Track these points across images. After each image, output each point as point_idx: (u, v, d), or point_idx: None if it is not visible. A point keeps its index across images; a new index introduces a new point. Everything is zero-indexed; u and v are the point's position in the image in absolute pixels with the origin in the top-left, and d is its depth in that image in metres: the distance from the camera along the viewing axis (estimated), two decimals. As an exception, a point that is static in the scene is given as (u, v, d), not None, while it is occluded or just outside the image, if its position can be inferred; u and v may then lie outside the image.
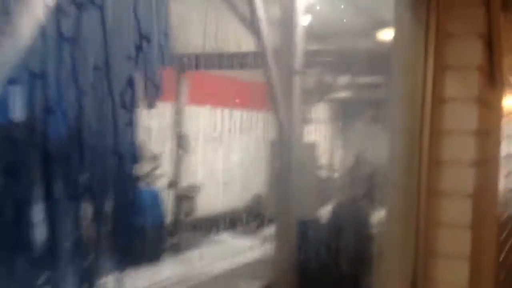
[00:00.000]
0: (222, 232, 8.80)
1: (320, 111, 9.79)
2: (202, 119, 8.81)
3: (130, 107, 3.08)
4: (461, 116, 1.59)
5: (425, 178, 1.56)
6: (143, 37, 2.98)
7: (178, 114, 7.98)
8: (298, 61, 3.82)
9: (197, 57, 7.46)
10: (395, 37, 1.68)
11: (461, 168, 1.57)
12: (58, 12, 2.36)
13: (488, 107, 1.76)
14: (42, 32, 2.40)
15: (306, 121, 8.26)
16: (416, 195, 1.60)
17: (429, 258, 1.61)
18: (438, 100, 1.58)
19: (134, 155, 3.53)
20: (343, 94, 9.13)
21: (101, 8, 2.61)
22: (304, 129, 7.92)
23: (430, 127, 1.56)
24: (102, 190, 3.46)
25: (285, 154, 4.03)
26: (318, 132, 9.99)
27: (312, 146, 5.00)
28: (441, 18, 1.46)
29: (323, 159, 8.92)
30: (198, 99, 8.34)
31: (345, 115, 9.26)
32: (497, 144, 1.79)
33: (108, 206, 3.63)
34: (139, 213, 7.29)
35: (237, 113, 9.60)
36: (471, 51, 1.57)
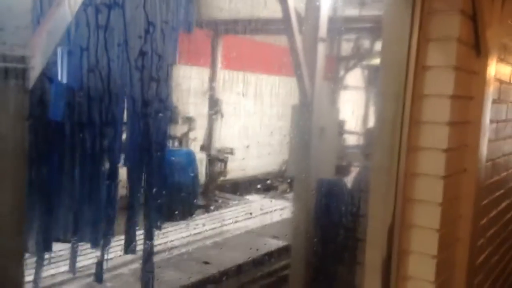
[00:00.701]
0: (252, 193, 9.21)
1: (355, 76, 9.83)
2: (236, 84, 9.03)
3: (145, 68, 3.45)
4: (439, 82, 1.82)
5: (406, 135, 1.83)
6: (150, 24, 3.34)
7: (213, 78, 8.22)
8: (323, 28, 4.00)
9: (231, 22, 7.67)
10: (385, 11, 1.93)
11: (437, 127, 1.82)
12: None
13: (471, 74, 1.98)
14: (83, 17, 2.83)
15: (338, 86, 8.42)
16: (397, 150, 1.87)
17: (406, 204, 1.90)
18: (421, 68, 1.82)
19: (162, 110, 3.87)
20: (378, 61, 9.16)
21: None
22: (333, 95, 8.13)
23: (413, 91, 1.81)
24: (141, 148, 3.82)
25: (307, 121, 4.24)
26: (351, 97, 10.06)
27: (336, 111, 5.20)
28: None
29: (351, 124, 9.04)
30: (233, 64, 8.56)
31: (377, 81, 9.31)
32: (481, 107, 1.99)
33: (147, 164, 3.99)
34: (174, 172, 7.65)
35: (270, 78, 9.77)
36: (451, 25, 1.77)
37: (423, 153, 1.88)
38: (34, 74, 2.32)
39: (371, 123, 8.88)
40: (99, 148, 3.49)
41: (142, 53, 3.43)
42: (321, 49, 4.14)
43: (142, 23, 3.36)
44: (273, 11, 7.00)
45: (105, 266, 3.57)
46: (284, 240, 6.61)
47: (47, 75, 2.53)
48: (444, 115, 1.84)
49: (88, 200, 3.51)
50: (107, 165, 3.60)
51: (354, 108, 10.01)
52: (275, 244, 6.61)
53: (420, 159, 1.88)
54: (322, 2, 4.06)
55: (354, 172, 5.80)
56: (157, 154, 4.02)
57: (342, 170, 5.71)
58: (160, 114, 3.94)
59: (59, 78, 2.71)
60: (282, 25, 4.25)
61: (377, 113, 1.97)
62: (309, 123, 4.28)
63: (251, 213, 7.90)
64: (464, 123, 2.02)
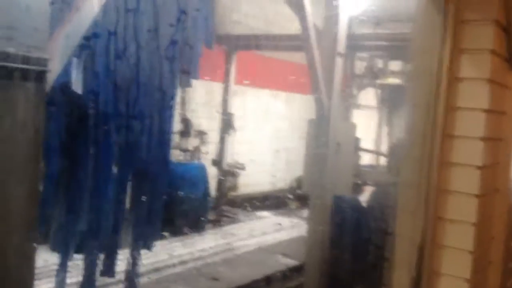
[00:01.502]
0: (263, 209, 9.09)
1: (369, 95, 9.75)
2: (249, 99, 8.99)
3: (173, 60, 3.41)
4: (473, 95, 1.73)
5: (437, 149, 1.73)
6: (182, 12, 3.30)
7: (226, 93, 8.18)
8: (341, 43, 3.95)
9: (246, 38, 7.67)
10: (415, 21, 1.85)
11: (471, 142, 1.72)
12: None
13: (503, 88, 1.88)
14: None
15: (352, 105, 8.31)
16: (427, 165, 1.77)
17: (437, 222, 1.79)
18: (454, 79, 1.73)
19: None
20: (393, 80, 9.05)
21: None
22: (348, 112, 8.02)
23: (445, 103, 1.71)
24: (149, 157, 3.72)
25: (324, 135, 4.15)
26: (365, 116, 9.96)
27: (352, 128, 5.11)
28: (458, 6, 1.61)
29: (367, 142, 8.93)
30: (246, 80, 8.54)
31: (392, 101, 9.19)
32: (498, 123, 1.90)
33: (155, 176, 3.89)
34: (184, 185, 7.52)
35: (283, 95, 9.73)
36: (485, 36, 1.70)
37: (456, 169, 1.78)
38: (51, 77, 2.27)
39: (393, 139, 8.76)
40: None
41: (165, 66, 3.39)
42: (339, 64, 4.09)
43: (165, 39, 3.33)
44: (288, 27, 6.99)
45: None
46: (296, 259, 6.47)
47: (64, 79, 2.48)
48: (479, 130, 1.74)
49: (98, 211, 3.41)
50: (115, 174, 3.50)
51: (371, 124, 9.89)
52: (286, 262, 6.46)
53: (453, 175, 1.78)
54: (340, 18, 4.02)
55: (372, 188, 5.67)
56: (162, 167, 3.90)
57: (359, 187, 5.59)
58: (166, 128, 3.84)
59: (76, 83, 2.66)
60: (298, 41, 4.21)
61: (407, 126, 1.88)
62: (326, 138, 4.18)
63: (262, 230, 7.77)
64: (496, 140, 1.92)
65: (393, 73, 9.08)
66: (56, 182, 2.92)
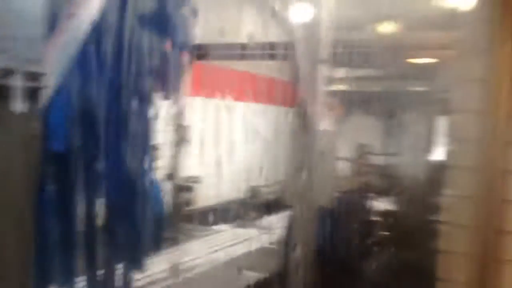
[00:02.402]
0: (221, 222, 8.84)
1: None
2: (204, 111, 8.78)
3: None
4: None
5: (500, 159, 1.62)
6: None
7: (179, 105, 7.89)
8: (324, 51, 3.87)
9: (201, 48, 7.42)
10: (465, 24, 1.75)
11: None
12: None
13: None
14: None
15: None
16: (490, 174, 1.65)
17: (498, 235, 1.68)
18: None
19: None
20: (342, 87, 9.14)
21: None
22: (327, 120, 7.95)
23: (507, 109, 1.62)
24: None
25: (307, 145, 4.07)
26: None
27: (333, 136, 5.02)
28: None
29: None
30: (202, 91, 8.33)
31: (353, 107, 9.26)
32: None
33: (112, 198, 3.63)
34: (140, 204, 7.16)
35: (243, 105, 9.61)
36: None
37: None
38: (46, 93, 1.95)
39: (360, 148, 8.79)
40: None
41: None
42: (321, 72, 4.02)
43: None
44: (253, 36, 6.84)
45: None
46: (262, 272, 6.29)
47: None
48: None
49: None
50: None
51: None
52: (252, 276, 6.28)
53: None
54: (321, 27, 3.96)
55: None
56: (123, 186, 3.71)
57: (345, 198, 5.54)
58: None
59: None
60: (274, 50, 4.09)
61: (453, 133, 1.76)
62: (309, 147, 4.08)
63: (221, 244, 7.53)
64: None
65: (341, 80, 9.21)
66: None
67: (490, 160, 1.66)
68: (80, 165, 2.96)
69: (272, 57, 5.72)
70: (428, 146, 9.44)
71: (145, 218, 6.42)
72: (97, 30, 2.56)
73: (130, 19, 2.68)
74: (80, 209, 3.21)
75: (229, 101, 9.24)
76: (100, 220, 3.60)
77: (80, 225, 3.26)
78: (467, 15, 1.72)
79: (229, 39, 7.50)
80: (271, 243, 6.99)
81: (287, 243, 4.84)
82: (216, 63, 8.10)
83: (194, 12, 3.25)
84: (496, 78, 1.63)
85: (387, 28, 6.83)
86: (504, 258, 1.70)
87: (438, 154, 9.05)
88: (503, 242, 1.67)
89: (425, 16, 5.94)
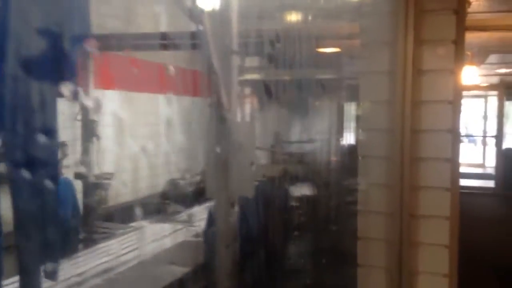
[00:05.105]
0: (139, 218, 8.58)
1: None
2: (112, 104, 8.42)
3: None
4: (437, 88, 1.73)
5: (407, 146, 1.68)
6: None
7: (85, 99, 7.52)
8: (236, 41, 3.80)
9: (105, 39, 7.06)
10: (367, 16, 1.78)
11: (438, 135, 1.72)
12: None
13: (457, 78, 1.93)
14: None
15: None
16: (399, 162, 1.72)
17: (411, 220, 1.75)
18: (417, 73, 1.70)
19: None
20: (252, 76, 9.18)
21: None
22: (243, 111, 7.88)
23: (411, 98, 1.67)
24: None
25: (225, 137, 4.01)
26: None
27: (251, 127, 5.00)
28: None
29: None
30: (109, 83, 7.95)
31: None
32: (459, 113, 1.95)
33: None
34: (48, 206, 6.76)
35: (153, 97, 9.34)
36: (446, 26, 1.70)
37: (425, 165, 1.75)
38: None
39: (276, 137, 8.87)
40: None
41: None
42: (235, 62, 3.94)
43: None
44: (155, 25, 6.61)
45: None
46: (186, 266, 6.21)
47: None
48: (445, 123, 1.73)
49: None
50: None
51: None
52: (177, 270, 6.17)
53: (423, 170, 1.75)
54: (232, 16, 3.88)
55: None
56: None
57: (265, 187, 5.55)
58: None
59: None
60: (184, 40, 3.96)
61: (364, 123, 1.80)
62: (227, 139, 4.03)
63: (141, 241, 7.32)
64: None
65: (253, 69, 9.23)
66: None
67: (399, 148, 1.72)
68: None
69: (179, 47, 5.59)
70: (341, 133, 9.79)
71: (54, 221, 6.07)
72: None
73: (15, 11, 2.45)
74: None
75: (139, 93, 8.96)
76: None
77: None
78: (371, 6, 1.76)
79: (134, 28, 7.24)
80: (192, 236, 6.89)
81: (208, 235, 4.78)
82: (129, 54, 7.80)
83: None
84: (401, 68, 1.67)
85: (295, 17, 6.94)
86: (417, 241, 1.77)
87: (352, 140, 9.43)
88: (415, 226, 1.74)
89: (334, 6, 6.09)
